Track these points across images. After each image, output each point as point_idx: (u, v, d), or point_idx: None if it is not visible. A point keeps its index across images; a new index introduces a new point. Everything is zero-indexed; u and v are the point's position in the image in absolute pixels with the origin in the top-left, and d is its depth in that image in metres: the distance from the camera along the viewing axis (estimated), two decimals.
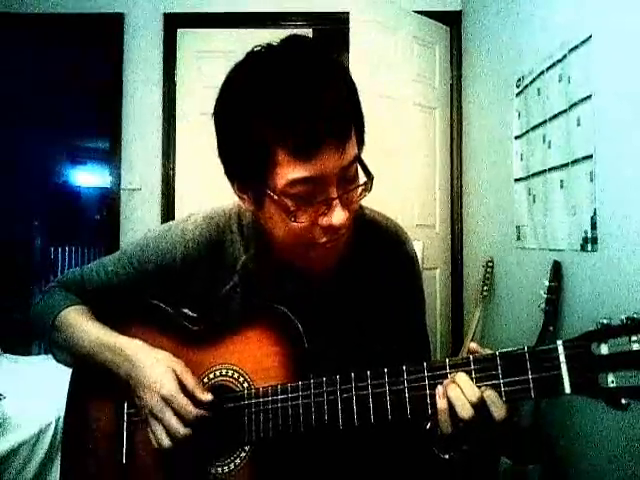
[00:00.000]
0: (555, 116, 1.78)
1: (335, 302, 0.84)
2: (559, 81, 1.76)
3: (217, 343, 0.81)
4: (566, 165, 1.71)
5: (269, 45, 0.71)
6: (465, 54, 2.94)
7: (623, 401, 0.56)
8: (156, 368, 0.77)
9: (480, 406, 0.62)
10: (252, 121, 0.67)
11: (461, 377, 0.64)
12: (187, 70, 2.98)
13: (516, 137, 2.14)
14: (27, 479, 1.72)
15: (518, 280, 2.16)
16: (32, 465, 1.74)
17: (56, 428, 1.81)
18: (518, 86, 2.12)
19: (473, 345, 0.67)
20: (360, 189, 0.73)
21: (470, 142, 2.86)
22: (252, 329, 0.79)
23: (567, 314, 1.73)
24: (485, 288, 2.43)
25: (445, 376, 0.66)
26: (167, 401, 0.74)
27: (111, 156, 3.04)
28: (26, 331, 3.21)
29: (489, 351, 0.66)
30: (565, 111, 1.71)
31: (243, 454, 0.76)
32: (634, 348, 0.56)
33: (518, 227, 2.13)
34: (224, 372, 0.79)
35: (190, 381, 0.76)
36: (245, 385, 0.77)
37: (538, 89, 1.92)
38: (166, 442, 0.74)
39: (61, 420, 1.79)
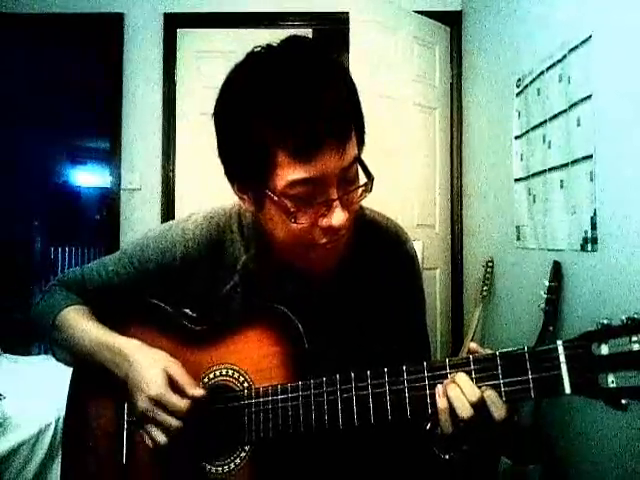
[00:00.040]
0: (555, 116, 1.78)
1: (335, 302, 0.84)
2: (559, 81, 1.76)
3: (217, 343, 0.81)
4: (566, 165, 1.71)
5: (269, 46, 0.71)
6: (465, 54, 2.94)
7: (623, 401, 0.56)
8: (149, 369, 0.77)
9: (480, 406, 0.62)
10: (252, 122, 0.67)
11: (461, 377, 0.64)
12: (187, 70, 2.98)
13: (516, 137, 2.14)
14: (27, 479, 1.72)
15: (518, 280, 2.16)
16: (32, 465, 1.74)
17: (56, 428, 1.81)
18: (518, 86, 2.12)
19: (473, 345, 0.67)
20: (360, 190, 0.73)
21: (470, 142, 2.86)
22: (252, 329, 0.79)
23: (567, 314, 1.73)
24: (485, 288, 2.43)
25: (445, 376, 0.66)
26: (156, 401, 0.74)
27: (111, 156, 3.04)
28: (26, 331, 3.21)
29: (489, 351, 0.66)
30: (565, 111, 1.71)
31: (243, 454, 0.76)
32: (634, 348, 0.56)
33: (518, 227, 2.13)
34: (224, 372, 0.80)
35: (181, 378, 0.76)
36: (245, 385, 0.77)
37: (538, 89, 1.92)
38: (161, 439, 0.74)
39: (61, 420, 1.79)
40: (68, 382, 0.92)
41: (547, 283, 1.76)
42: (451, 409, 0.64)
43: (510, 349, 0.63)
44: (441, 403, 0.64)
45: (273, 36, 0.74)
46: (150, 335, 0.85)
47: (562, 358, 0.60)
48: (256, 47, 0.71)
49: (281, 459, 0.75)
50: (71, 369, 0.93)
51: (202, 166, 2.78)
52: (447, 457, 0.71)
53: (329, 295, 0.84)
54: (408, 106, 2.78)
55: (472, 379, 0.64)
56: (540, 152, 1.91)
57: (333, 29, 2.85)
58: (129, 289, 0.89)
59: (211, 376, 0.80)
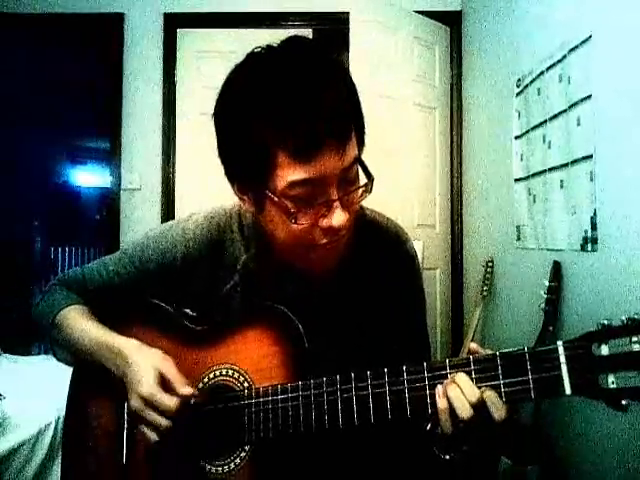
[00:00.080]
0: (555, 116, 1.78)
1: (335, 302, 0.84)
2: (559, 81, 1.76)
3: (217, 343, 0.81)
4: (566, 165, 1.71)
5: (269, 46, 0.71)
6: (465, 54, 2.94)
7: (623, 402, 0.56)
8: (143, 368, 0.77)
9: (480, 406, 0.62)
10: (252, 123, 0.67)
11: (461, 377, 0.64)
12: (187, 70, 2.98)
13: (516, 137, 2.14)
14: (27, 479, 1.72)
15: (518, 280, 2.16)
16: (32, 465, 1.74)
17: (56, 428, 1.81)
18: (518, 86, 2.12)
19: (473, 345, 0.67)
20: (360, 190, 0.73)
21: (470, 142, 2.86)
22: (252, 329, 0.79)
23: (567, 314, 1.73)
24: (485, 288, 2.43)
25: (445, 376, 0.66)
26: (147, 400, 0.74)
27: (111, 156, 3.04)
28: (26, 331, 3.22)
29: (489, 351, 0.66)
30: (565, 111, 1.71)
31: (243, 454, 0.76)
32: (634, 349, 0.56)
33: (518, 227, 2.13)
34: (224, 372, 0.80)
35: (173, 377, 0.76)
36: (245, 385, 0.77)
37: (538, 89, 1.92)
38: (152, 437, 0.74)
39: (61, 420, 1.79)
40: (68, 382, 0.92)
41: (547, 283, 1.76)
42: (451, 409, 0.64)
43: (510, 349, 0.63)
44: (441, 403, 0.64)
45: (273, 36, 0.74)
46: (150, 335, 0.85)
47: (562, 359, 0.60)
48: (256, 48, 0.71)
49: (281, 459, 0.75)
50: (71, 369, 0.93)
51: (202, 166, 2.78)
52: (447, 457, 0.71)
53: (329, 295, 0.84)
54: (408, 106, 2.78)
55: (472, 379, 0.64)
56: (540, 152, 1.91)
57: (333, 29, 2.85)
58: (130, 289, 0.89)
59: (211, 376, 0.80)
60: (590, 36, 1.56)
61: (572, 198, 1.67)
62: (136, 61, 3.00)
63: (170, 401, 0.74)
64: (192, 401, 0.76)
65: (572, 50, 1.66)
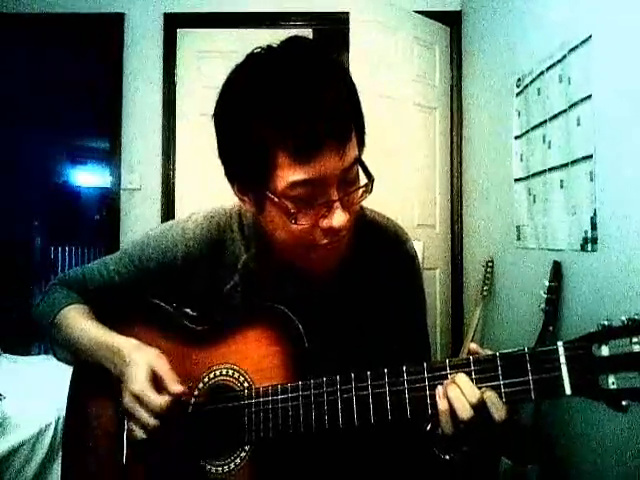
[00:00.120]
0: (555, 116, 1.78)
1: (336, 303, 0.84)
2: (559, 81, 1.76)
3: (218, 342, 0.81)
4: (566, 165, 1.71)
5: (269, 47, 0.71)
6: (465, 54, 2.94)
7: (623, 403, 0.56)
8: (138, 366, 0.77)
9: (480, 407, 0.62)
10: (252, 123, 0.67)
11: (461, 378, 0.64)
12: (187, 70, 2.98)
13: (516, 137, 2.14)
14: (27, 479, 1.72)
15: (518, 280, 2.16)
16: (32, 465, 1.74)
17: (56, 428, 1.81)
18: (518, 86, 2.12)
19: (473, 346, 0.67)
20: (361, 191, 0.73)
21: (470, 142, 2.86)
22: (253, 329, 0.79)
23: (567, 314, 1.73)
24: (485, 288, 2.43)
25: (445, 377, 0.66)
26: (137, 397, 0.74)
27: (111, 156, 3.04)
28: (26, 331, 3.22)
29: (489, 352, 0.65)
30: (565, 111, 1.71)
31: (243, 454, 0.76)
32: (635, 349, 0.56)
33: (518, 227, 2.13)
34: (224, 371, 0.80)
35: (165, 375, 0.76)
36: (245, 385, 0.77)
37: (538, 89, 1.92)
38: (139, 434, 0.74)
39: (61, 420, 1.79)
40: (68, 382, 0.92)
41: (547, 283, 1.76)
42: (451, 410, 0.63)
43: (510, 350, 0.63)
44: (441, 404, 0.64)
45: (273, 36, 0.74)
46: (150, 335, 0.85)
47: (562, 359, 0.59)
48: (256, 48, 0.71)
49: (281, 459, 0.75)
50: (71, 369, 0.93)
51: (202, 166, 2.78)
52: (447, 458, 0.71)
53: (329, 295, 0.84)
54: (408, 106, 2.78)
55: (472, 380, 0.64)
56: (540, 152, 1.91)
57: (333, 29, 2.85)
58: (130, 288, 0.89)
59: (211, 376, 0.80)
60: (590, 36, 1.56)
61: (572, 198, 1.67)
62: (136, 61, 3.00)
63: (158, 399, 0.73)
64: (192, 401, 0.76)
65: (572, 50, 1.66)
